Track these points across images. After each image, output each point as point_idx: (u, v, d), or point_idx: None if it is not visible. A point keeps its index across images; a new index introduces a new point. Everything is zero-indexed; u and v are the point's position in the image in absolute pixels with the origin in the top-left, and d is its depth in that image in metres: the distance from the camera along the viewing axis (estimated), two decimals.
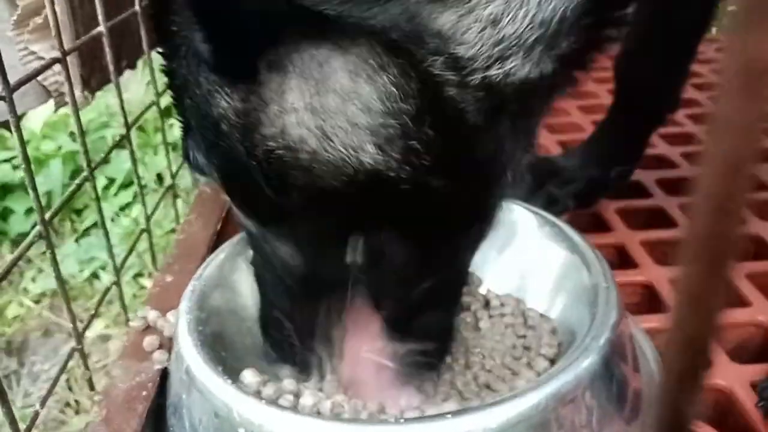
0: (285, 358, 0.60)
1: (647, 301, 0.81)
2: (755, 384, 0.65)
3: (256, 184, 0.48)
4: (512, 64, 0.43)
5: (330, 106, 0.44)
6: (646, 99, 0.94)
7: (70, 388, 1.14)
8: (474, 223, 0.54)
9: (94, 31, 0.67)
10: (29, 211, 1.54)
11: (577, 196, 0.96)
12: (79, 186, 0.66)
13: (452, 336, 0.63)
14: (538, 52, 0.43)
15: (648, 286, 0.81)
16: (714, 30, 1.63)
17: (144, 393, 0.62)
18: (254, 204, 0.52)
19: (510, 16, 0.41)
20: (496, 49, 0.42)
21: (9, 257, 0.54)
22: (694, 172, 0.13)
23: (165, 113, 1.05)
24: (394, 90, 0.43)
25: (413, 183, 0.46)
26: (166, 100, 1.26)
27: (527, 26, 0.42)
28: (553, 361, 0.63)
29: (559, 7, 0.42)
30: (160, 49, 0.50)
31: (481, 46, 0.42)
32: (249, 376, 0.58)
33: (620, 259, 0.87)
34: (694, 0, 0.87)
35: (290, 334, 0.58)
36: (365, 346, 0.57)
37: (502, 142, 0.49)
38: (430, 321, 0.58)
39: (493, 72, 0.43)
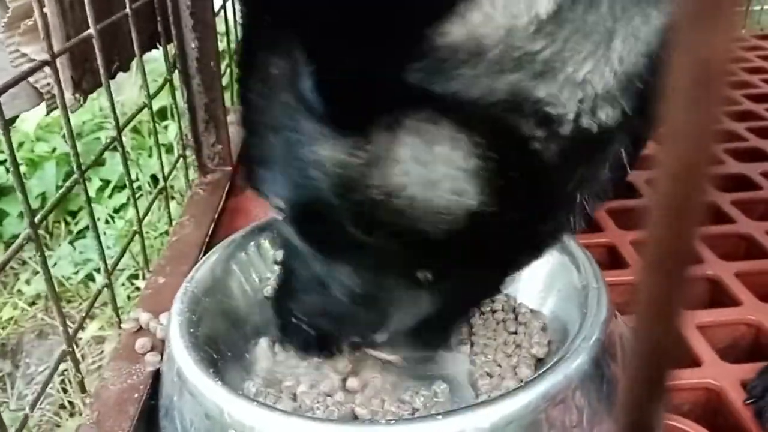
0: (304, 347, 0.61)
1: None
2: (745, 383, 0.65)
3: (336, 222, 0.48)
4: (601, 115, 0.46)
5: (436, 157, 0.45)
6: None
7: (64, 390, 1.14)
8: (530, 257, 0.58)
9: (84, 34, 0.67)
10: (23, 213, 1.54)
11: None
12: (70, 189, 0.66)
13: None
14: (619, 103, 0.46)
15: None
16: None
17: (136, 395, 0.62)
18: (325, 238, 0.53)
19: (598, 75, 0.44)
20: (585, 104, 0.45)
21: (2, 259, 0.54)
22: None
23: (158, 115, 1.05)
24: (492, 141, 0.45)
25: (500, 219, 0.47)
26: (158, 102, 1.26)
27: (611, 82, 0.44)
28: (543, 360, 0.64)
29: (632, 66, 0.45)
30: (245, 81, 0.50)
31: (572, 104, 0.44)
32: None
33: (611, 259, 0.87)
34: None
35: (313, 320, 0.59)
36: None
37: (578, 186, 0.51)
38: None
39: (583, 123, 0.45)
